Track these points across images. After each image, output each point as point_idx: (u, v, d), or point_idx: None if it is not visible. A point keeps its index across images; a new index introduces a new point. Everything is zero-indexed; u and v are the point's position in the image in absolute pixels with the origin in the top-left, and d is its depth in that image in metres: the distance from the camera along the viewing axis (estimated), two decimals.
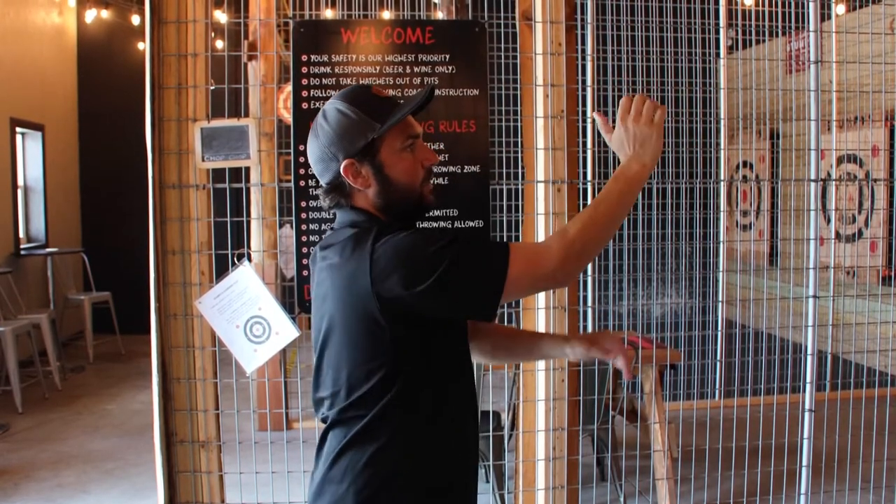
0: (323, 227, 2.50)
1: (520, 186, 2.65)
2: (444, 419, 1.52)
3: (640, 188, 1.51)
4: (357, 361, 1.45)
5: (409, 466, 1.48)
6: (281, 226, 4.66)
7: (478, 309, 1.44)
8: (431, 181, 1.56)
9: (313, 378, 1.54)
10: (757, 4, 5.35)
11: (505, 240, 3.97)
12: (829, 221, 5.24)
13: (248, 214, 4.49)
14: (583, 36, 4.96)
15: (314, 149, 1.53)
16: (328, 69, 2.48)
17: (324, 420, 1.53)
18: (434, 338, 1.48)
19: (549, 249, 1.41)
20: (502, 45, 3.74)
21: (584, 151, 5.26)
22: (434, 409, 1.50)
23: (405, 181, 1.50)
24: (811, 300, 3.08)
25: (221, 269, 2.49)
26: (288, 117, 3.86)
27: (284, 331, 2.46)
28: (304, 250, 2.51)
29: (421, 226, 1.58)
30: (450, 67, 2.51)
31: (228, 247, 2.54)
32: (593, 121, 5.18)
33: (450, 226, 2.54)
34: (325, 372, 1.50)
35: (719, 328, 5.48)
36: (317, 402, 1.54)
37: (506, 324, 4.15)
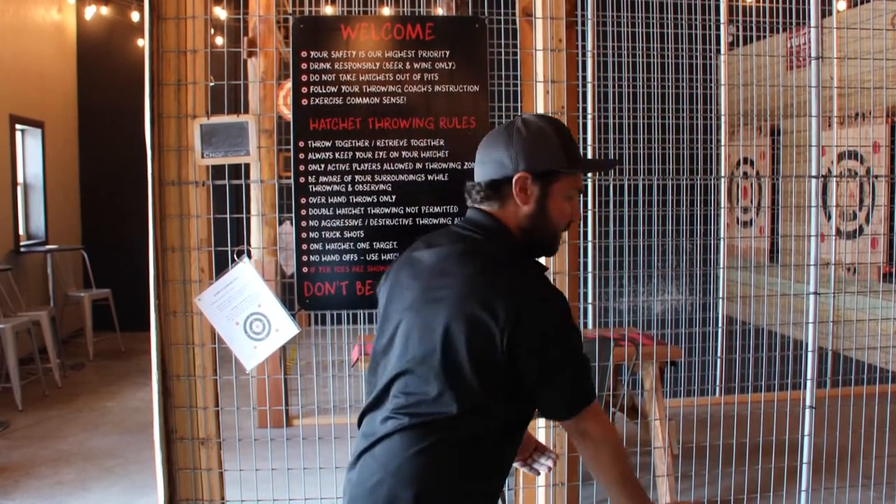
0: (323, 223, 2.49)
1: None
2: (509, 449, 1.58)
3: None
4: (460, 373, 1.45)
5: (468, 485, 1.50)
6: (281, 223, 4.66)
7: (552, 414, 1.56)
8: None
9: (404, 371, 1.52)
10: (757, 0, 5.34)
11: None
12: (829, 218, 5.24)
13: (248, 211, 4.49)
14: (583, 32, 4.95)
15: (498, 146, 1.56)
16: (328, 65, 2.48)
17: (386, 420, 1.52)
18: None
19: (596, 436, 1.53)
20: (502, 42, 3.74)
21: (585, 148, 5.25)
22: (506, 439, 1.55)
23: (555, 220, 1.57)
24: (812, 297, 3.08)
25: (221, 265, 2.48)
26: (288, 114, 3.85)
27: (284, 328, 2.46)
28: (304, 247, 2.50)
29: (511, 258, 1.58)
30: (450, 64, 2.50)
31: (228, 244, 2.54)
32: (594, 118, 5.19)
33: (450, 222, 2.53)
34: (419, 370, 1.48)
35: (720, 325, 5.48)
36: (400, 397, 1.52)
37: None
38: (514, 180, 1.53)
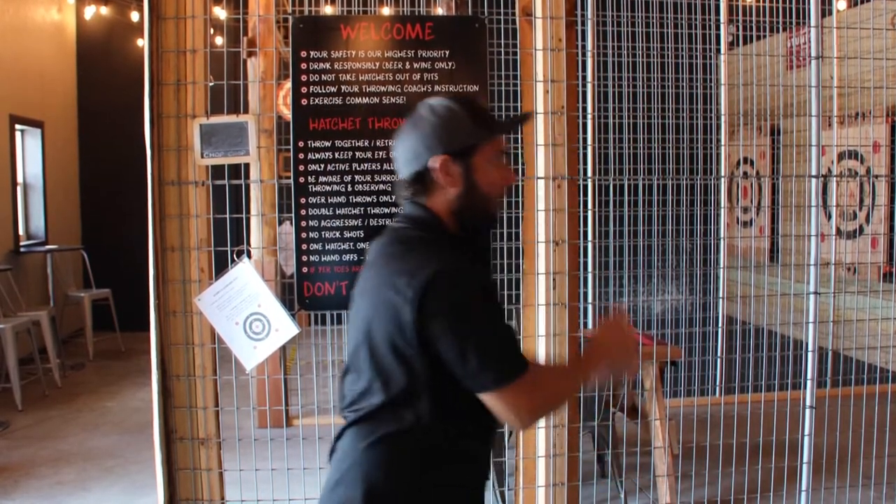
0: (322, 223, 2.49)
1: (520, 182, 2.65)
2: (469, 433, 1.54)
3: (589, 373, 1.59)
4: (392, 359, 1.45)
5: (425, 475, 1.49)
6: (280, 222, 4.65)
7: (466, 382, 1.47)
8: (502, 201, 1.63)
9: (346, 370, 1.55)
10: (757, 0, 5.34)
11: (505, 236, 3.97)
12: (829, 218, 5.23)
13: (248, 211, 4.48)
14: (583, 32, 4.95)
15: (410, 138, 1.55)
16: (328, 65, 2.48)
17: (346, 417, 1.54)
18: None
19: (530, 410, 1.49)
20: (502, 41, 3.74)
21: (585, 147, 5.25)
22: (460, 424, 1.51)
23: (487, 190, 1.55)
24: (812, 297, 3.07)
25: (221, 265, 2.48)
26: (287, 113, 3.85)
27: (284, 328, 2.46)
28: (304, 247, 2.50)
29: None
30: (449, 63, 2.50)
31: (228, 243, 2.54)
32: (594, 117, 5.19)
33: None
34: (363, 363, 1.51)
35: (720, 325, 5.48)
36: (346, 395, 1.54)
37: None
38: (434, 166, 1.51)
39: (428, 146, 1.52)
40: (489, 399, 1.45)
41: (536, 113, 2.54)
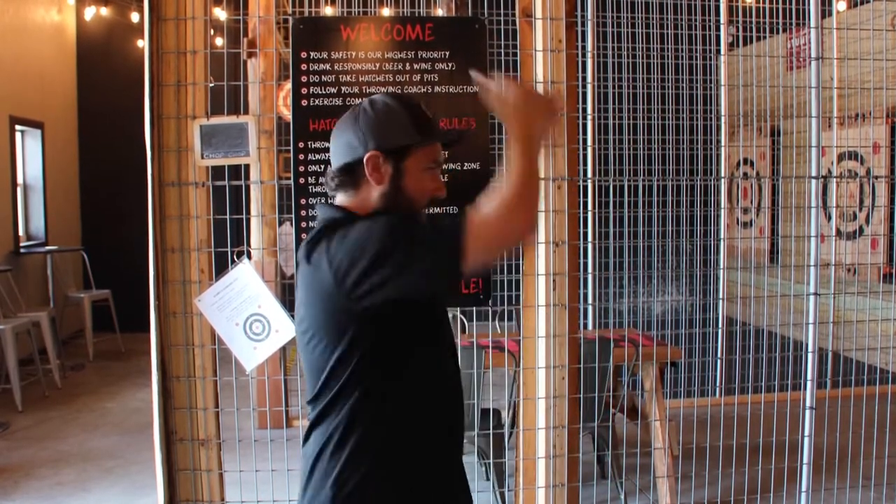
0: None
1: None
2: (423, 415, 1.52)
3: (531, 153, 1.45)
4: (323, 358, 1.46)
5: (379, 465, 1.48)
6: (280, 223, 4.65)
7: (443, 279, 1.42)
8: (426, 210, 1.58)
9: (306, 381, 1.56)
10: (757, 1, 5.35)
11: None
12: (829, 219, 5.23)
13: (248, 212, 4.48)
14: (583, 33, 4.95)
15: (346, 129, 1.53)
16: (328, 66, 2.48)
17: (309, 421, 1.54)
18: (403, 329, 1.48)
19: (481, 242, 1.37)
20: (502, 42, 3.74)
21: (584, 148, 5.25)
22: (405, 406, 1.49)
23: (412, 197, 1.52)
24: (812, 297, 3.07)
25: (221, 266, 2.48)
26: (287, 114, 3.85)
27: (284, 328, 2.46)
28: None
29: None
30: (449, 64, 2.50)
31: (228, 244, 2.54)
32: (594, 118, 5.19)
33: None
34: (307, 373, 1.52)
35: (720, 326, 5.48)
36: (307, 405, 1.56)
37: (506, 322, 4.15)
38: (364, 160, 1.49)
39: (362, 140, 1.49)
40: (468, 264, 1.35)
41: None
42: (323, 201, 2.50)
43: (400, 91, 2.48)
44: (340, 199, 1.56)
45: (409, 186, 1.51)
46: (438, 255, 1.37)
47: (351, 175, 1.52)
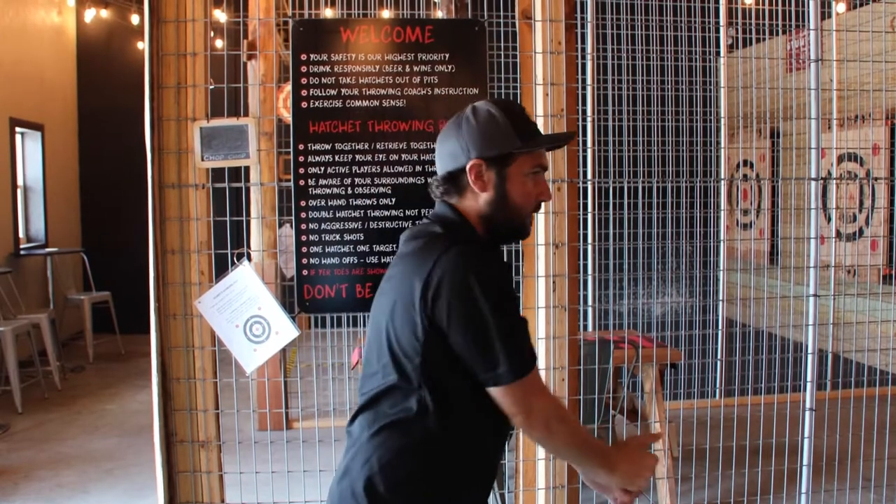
0: (323, 226, 2.50)
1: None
2: (472, 431, 1.53)
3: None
4: (397, 348, 1.47)
5: (423, 468, 1.48)
6: (280, 225, 4.65)
7: (479, 375, 1.46)
8: (535, 215, 1.61)
9: (367, 357, 1.57)
10: (757, 3, 5.35)
11: None
12: (829, 220, 5.24)
13: (248, 214, 4.48)
14: (583, 34, 4.96)
15: (450, 138, 1.56)
16: (328, 68, 2.48)
17: (360, 400, 1.54)
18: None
19: (543, 409, 1.46)
20: (502, 44, 3.74)
21: (584, 150, 5.25)
22: (464, 419, 1.50)
23: (518, 202, 1.55)
24: (812, 299, 3.08)
25: (221, 268, 2.48)
26: (287, 116, 3.85)
27: (284, 330, 2.46)
28: (304, 250, 2.50)
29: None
30: (449, 66, 2.50)
31: (228, 246, 2.54)
32: (594, 120, 5.19)
33: None
34: (372, 353, 1.53)
35: (720, 327, 5.48)
36: (361, 381, 1.56)
37: None
38: (467, 169, 1.52)
39: (464, 148, 1.53)
40: (500, 394, 1.44)
41: (536, 116, 2.55)
42: (326, 203, 2.51)
43: (394, 92, 2.48)
44: (449, 199, 1.58)
45: (513, 193, 1.54)
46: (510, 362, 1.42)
47: (454, 183, 1.56)
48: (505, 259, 1.62)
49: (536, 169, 1.55)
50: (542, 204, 1.61)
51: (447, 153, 1.56)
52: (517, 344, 1.44)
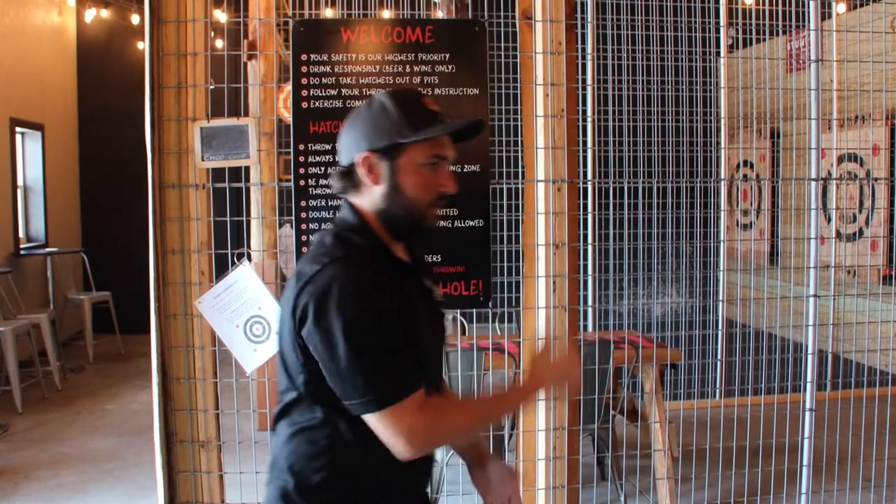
0: (323, 226, 2.50)
1: (520, 185, 2.65)
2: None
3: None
4: (290, 358, 1.48)
5: (340, 470, 1.48)
6: (281, 225, 4.65)
7: (347, 403, 1.42)
8: (439, 208, 1.54)
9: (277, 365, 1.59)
10: (757, 3, 5.35)
11: (505, 239, 3.97)
12: (829, 220, 5.24)
13: (248, 214, 4.48)
14: (583, 35, 4.96)
15: (346, 130, 1.54)
16: (328, 68, 2.48)
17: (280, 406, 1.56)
18: None
19: (425, 429, 1.41)
20: (502, 44, 3.74)
21: (585, 150, 5.25)
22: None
23: (412, 195, 1.48)
24: (812, 299, 3.08)
25: (221, 268, 2.48)
26: (288, 117, 3.85)
27: None
28: (304, 250, 2.50)
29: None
30: (450, 66, 2.50)
31: (228, 246, 2.54)
32: (594, 120, 5.19)
33: (450, 225, 2.53)
34: (278, 363, 1.55)
35: (720, 327, 5.48)
36: (278, 386, 1.58)
37: (506, 323, 4.14)
38: (358, 162, 1.48)
39: (356, 141, 1.49)
40: (371, 422, 1.39)
41: (536, 116, 2.55)
42: (326, 203, 2.51)
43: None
44: (350, 195, 1.56)
45: (406, 184, 1.48)
46: (373, 398, 1.38)
47: (350, 178, 1.52)
48: (398, 268, 1.53)
49: (434, 159, 1.48)
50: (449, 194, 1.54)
51: (343, 148, 1.53)
52: (381, 373, 1.38)
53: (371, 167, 1.48)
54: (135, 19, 7.67)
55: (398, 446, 1.39)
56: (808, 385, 3.08)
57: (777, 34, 5.92)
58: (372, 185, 1.49)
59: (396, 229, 1.52)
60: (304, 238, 2.50)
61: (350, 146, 1.50)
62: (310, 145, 2.48)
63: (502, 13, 3.10)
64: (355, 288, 1.39)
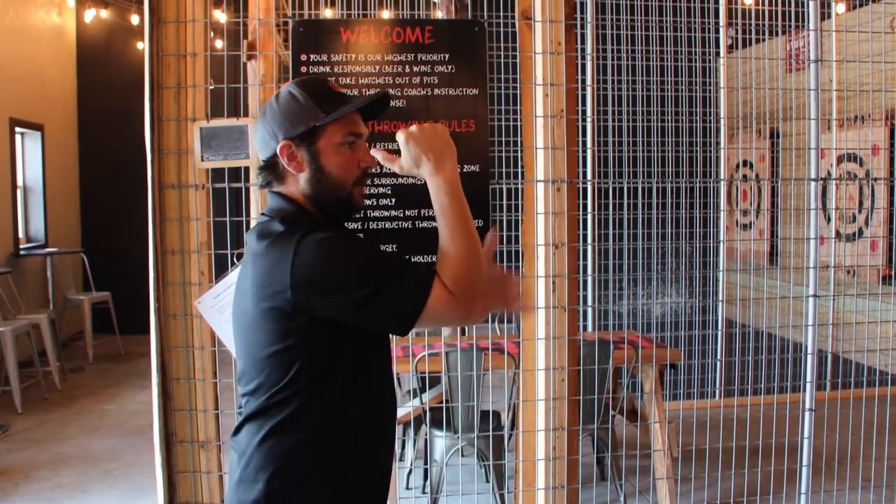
0: None
1: (520, 186, 2.65)
2: (359, 414, 1.52)
3: (459, 191, 1.52)
4: (268, 352, 1.46)
5: (320, 461, 1.48)
6: None
7: (391, 329, 1.52)
8: (366, 185, 1.59)
9: (237, 375, 1.57)
10: (757, 3, 5.35)
11: (505, 239, 3.97)
12: (829, 221, 5.24)
13: (248, 214, 4.47)
14: (582, 35, 4.96)
15: (259, 126, 1.56)
16: (328, 69, 2.48)
17: (241, 414, 1.54)
18: (346, 335, 1.48)
19: (453, 295, 1.42)
20: (502, 45, 3.74)
21: (584, 151, 5.25)
22: (347, 405, 1.49)
23: (337, 175, 1.52)
24: (811, 299, 3.08)
25: (221, 268, 2.48)
26: None
27: None
28: None
29: (352, 227, 1.57)
30: (449, 67, 2.50)
31: (228, 246, 2.54)
32: (593, 121, 5.19)
33: None
34: (246, 365, 1.52)
35: (719, 328, 5.48)
36: (242, 396, 1.56)
37: (505, 323, 4.15)
38: (278, 152, 1.51)
39: (272, 133, 1.52)
40: (435, 306, 1.40)
41: (536, 116, 2.55)
42: None
43: (394, 92, 2.48)
44: (276, 187, 1.57)
45: (329, 165, 1.51)
46: (403, 303, 1.41)
47: (273, 170, 1.55)
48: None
49: (350, 138, 1.52)
50: (368, 170, 1.56)
51: (259, 143, 1.55)
52: (408, 264, 1.48)
53: (292, 155, 1.51)
54: (134, 19, 7.67)
55: (462, 307, 1.42)
56: (808, 385, 3.08)
57: (776, 34, 5.92)
58: (296, 172, 1.52)
59: (327, 212, 1.55)
60: None
61: (267, 139, 1.53)
62: None
63: (502, 13, 3.10)
64: (342, 239, 1.49)
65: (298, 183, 1.53)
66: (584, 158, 5.28)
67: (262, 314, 1.45)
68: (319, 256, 1.40)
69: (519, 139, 2.76)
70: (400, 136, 1.52)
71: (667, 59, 5.10)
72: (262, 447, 1.48)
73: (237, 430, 1.54)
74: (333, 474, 1.49)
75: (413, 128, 1.52)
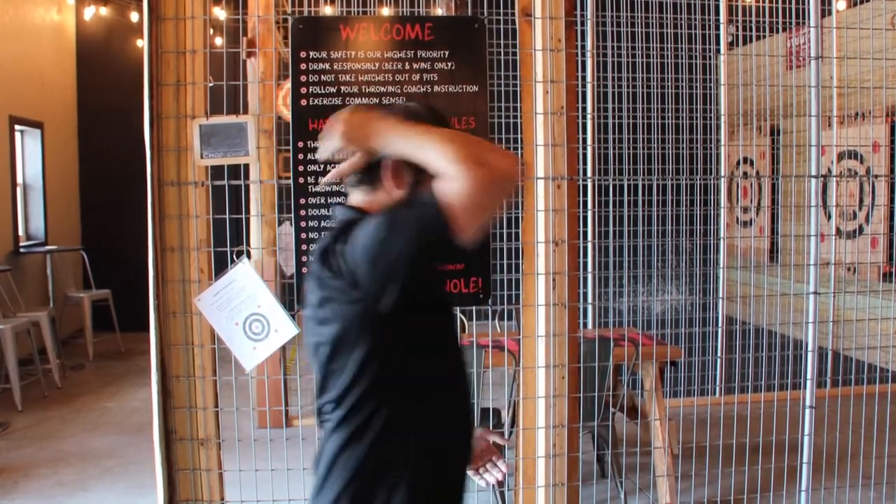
0: (322, 223, 2.49)
1: (519, 183, 2.65)
2: (432, 418, 1.51)
3: (407, 130, 1.42)
4: (346, 363, 1.44)
5: (399, 466, 1.47)
6: (280, 223, 4.65)
7: (438, 244, 1.33)
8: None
9: (317, 384, 1.54)
10: (757, 0, 5.34)
11: (505, 236, 3.97)
12: (829, 218, 5.23)
13: (248, 211, 4.48)
14: (583, 32, 4.95)
15: None
16: (327, 66, 2.48)
17: (323, 424, 1.54)
18: (418, 337, 1.47)
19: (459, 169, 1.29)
20: (502, 42, 3.74)
21: (584, 148, 5.25)
22: (428, 418, 1.49)
23: None
24: (812, 296, 3.07)
25: (221, 266, 2.48)
26: (287, 114, 3.85)
27: (284, 328, 2.46)
28: (304, 247, 2.50)
29: None
30: (449, 64, 2.50)
31: (227, 244, 2.54)
32: (593, 118, 5.19)
33: None
34: (326, 374, 1.50)
35: (720, 325, 5.48)
36: (320, 407, 1.54)
37: (505, 320, 4.14)
38: (386, 165, 1.47)
39: None
40: (457, 191, 1.27)
41: (536, 113, 2.54)
42: (325, 201, 2.51)
43: (394, 89, 2.48)
44: (356, 198, 1.55)
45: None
46: (427, 214, 1.30)
47: (371, 175, 1.51)
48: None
49: None
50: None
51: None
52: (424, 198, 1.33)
53: (398, 172, 1.48)
54: (134, 17, 7.66)
55: (471, 173, 1.27)
56: (808, 382, 3.08)
57: (777, 31, 5.91)
58: (391, 189, 1.49)
59: None
60: (303, 235, 2.50)
61: None
62: (309, 142, 2.48)
63: (502, 10, 3.10)
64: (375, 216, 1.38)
65: (389, 196, 1.49)
66: (585, 155, 5.28)
67: (336, 326, 1.44)
68: (357, 236, 1.37)
69: (519, 136, 2.75)
70: (331, 146, 1.48)
71: (667, 55, 5.10)
72: (342, 457, 1.49)
73: (324, 443, 1.55)
74: (414, 478, 1.48)
75: (336, 127, 1.47)
